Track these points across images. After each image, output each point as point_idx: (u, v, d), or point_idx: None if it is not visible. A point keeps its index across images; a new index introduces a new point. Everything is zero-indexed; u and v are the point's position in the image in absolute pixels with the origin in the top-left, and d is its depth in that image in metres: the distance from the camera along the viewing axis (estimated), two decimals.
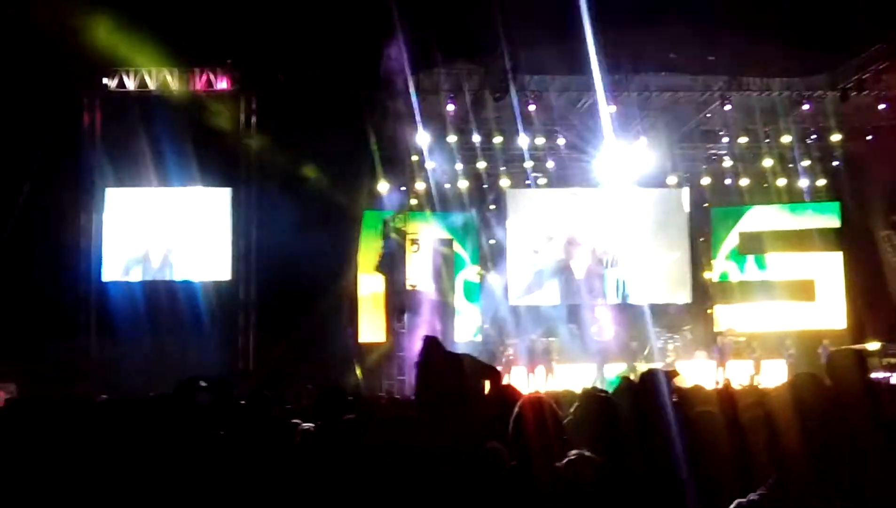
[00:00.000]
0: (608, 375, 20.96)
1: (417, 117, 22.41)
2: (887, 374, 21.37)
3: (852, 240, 26.01)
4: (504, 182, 25.69)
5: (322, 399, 6.55)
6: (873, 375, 20.74)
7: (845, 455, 4.18)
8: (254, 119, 21.37)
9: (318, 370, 18.16)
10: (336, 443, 5.42)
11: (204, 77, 20.85)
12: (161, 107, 20.63)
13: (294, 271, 19.95)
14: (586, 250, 25.96)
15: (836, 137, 24.22)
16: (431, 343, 8.16)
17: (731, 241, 26.95)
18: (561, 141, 23.51)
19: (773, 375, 22.12)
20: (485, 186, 25.74)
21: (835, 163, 25.57)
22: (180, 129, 20.13)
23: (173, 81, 20.61)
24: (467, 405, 7.28)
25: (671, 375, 5.75)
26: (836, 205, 26.28)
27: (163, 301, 20.97)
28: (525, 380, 22.36)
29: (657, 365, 19.76)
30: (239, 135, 21.27)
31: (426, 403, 7.66)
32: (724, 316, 26.37)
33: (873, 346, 22.96)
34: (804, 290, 26.39)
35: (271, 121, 20.91)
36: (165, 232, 22.20)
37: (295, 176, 20.00)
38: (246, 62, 20.83)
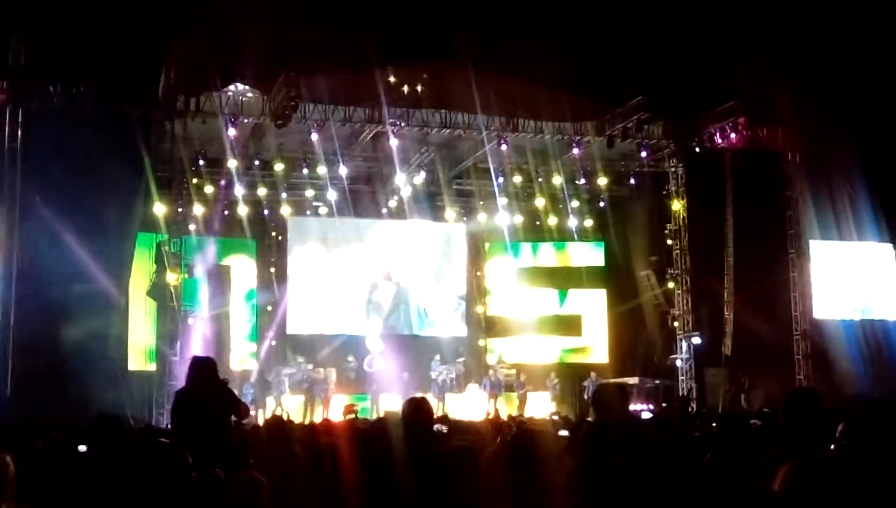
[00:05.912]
0: (384, 406, 21.07)
1: (196, 140, 21.92)
2: (642, 406, 22.63)
3: (615, 279, 27.47)
4: (285, 210, 25.51)
5: (96, 427, 6.34)
6: (631, 408, 21.97)
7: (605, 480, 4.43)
8: (20, 133, 20.10)
9: (81, 396, 17.26)
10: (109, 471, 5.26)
11: None
12: None
13: (60, 293, 18.94)
14: (365, 281, 26.11)
15: (602, 181, 25.46)
16: (201, 367, 7.87)
17: (504, 276, 27.85)
18: (343, 171, 23.57)
19: (539, 407, 22.96)
20: (266, 212, 25.47)
21: (601, 204, 26.97)
22: None
23: None
24: (226, 434, 7.18)
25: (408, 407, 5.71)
26: (601, 244, 27.73)
27: None
28: (301, 411, 22.18)
29: (429, 397, 20.14)
30: (6, 149, 19.94)
31: (184, 429, 7.46)
32: (496, 349, 27.16)
33: (632, 380, 24.28)
34: (571, 325, 27.61)
35: (41, 134, 19.72)
36: None
37: (65, 194, 18.93)
38: (14, 72, 19.61)
